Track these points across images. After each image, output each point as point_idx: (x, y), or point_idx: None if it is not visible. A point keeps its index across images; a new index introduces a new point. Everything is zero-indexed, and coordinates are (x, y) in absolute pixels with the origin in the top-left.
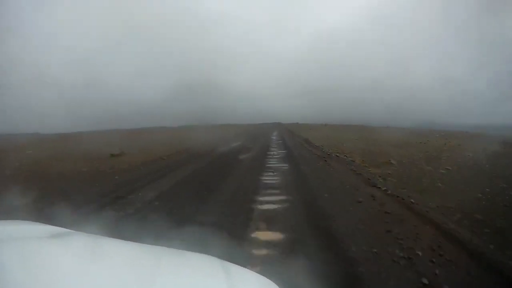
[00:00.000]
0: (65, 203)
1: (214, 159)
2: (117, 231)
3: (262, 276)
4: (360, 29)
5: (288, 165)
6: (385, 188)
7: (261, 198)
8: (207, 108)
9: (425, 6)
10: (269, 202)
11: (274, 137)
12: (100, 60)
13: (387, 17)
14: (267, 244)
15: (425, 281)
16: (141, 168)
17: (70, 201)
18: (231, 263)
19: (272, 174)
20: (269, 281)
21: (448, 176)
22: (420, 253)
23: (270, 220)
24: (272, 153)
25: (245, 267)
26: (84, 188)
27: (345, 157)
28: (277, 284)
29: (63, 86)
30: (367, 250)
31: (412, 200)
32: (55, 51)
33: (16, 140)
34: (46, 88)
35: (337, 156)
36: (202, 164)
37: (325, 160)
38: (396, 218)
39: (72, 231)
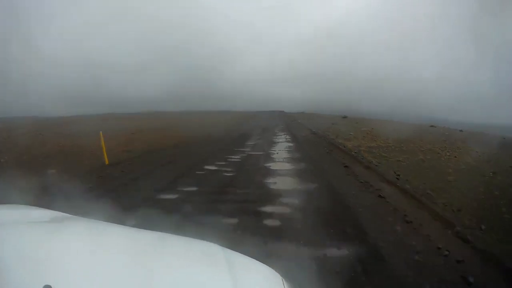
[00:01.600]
0: None
1: None
2: None
3: (263, 264)
4: (365, 19)
5: None
6: None
7: None
8: (207, 94)
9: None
10: None
11: (280, 145)
12: (103, 53)
13: (391, 10)
14: None
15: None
16: None
17: None
18: (233, 251)
19: None
20: (270, 268)
21: None
22: None
23: None
24: None
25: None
26: None
27: None
28: (279, 273)
29: (66, 83)
30: None
31: None
32: (60, 54)
33: None
34: (46, 75)
35: None
36: None
37: None
38: None
39: (71, 215)
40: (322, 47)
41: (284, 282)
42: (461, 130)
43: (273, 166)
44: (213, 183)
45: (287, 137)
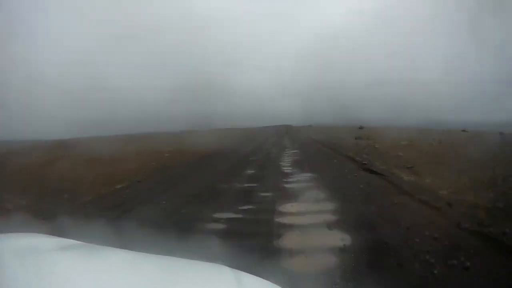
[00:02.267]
0: None
1: None
2: None
3: (275, 285)
4: (365, 23)
5: None
6: None
7: None
8: (209, 110)
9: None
10: None
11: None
12: (100, 61)
13: (391, 10)
14: None
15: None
16: None
17: None
18: (243, 272)
19: None
20: None
21: None
22: None
23: None
24: None
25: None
26: None
27: None
28: None
29: (62, 88)
30: None
31: None
32: (54, 51)
33: None
34: (45, 90)
35: None
36: None
37: None
38: None
39: (82, 243)
40: (324, 55)
41: None
42: (501, 133)
43: None
44: None
45: (317, 194)
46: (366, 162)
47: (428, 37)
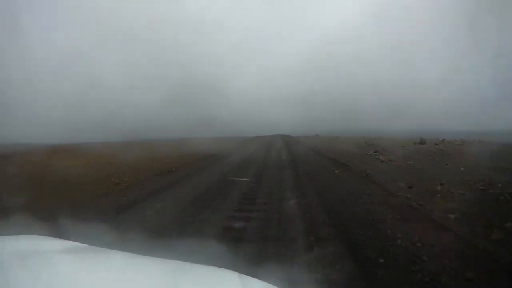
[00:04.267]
0: None
1: None
2: None
3: None
4: (362, 30)
5: None
6: None
7: None
8: (205, 117)
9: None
10: None
11: None
12: (95, 64)
13: (389, 17)
14: None
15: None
16: None
17: None
18: (250, 277)
19: None
20: None
21: None
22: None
23: None
24: None
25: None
26: None
27: None
28: None
29: (57, 90)
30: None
31: None
32: (50, 52)
33: None
34: (39, 92)
35: None
36: None
37: None
38: None
39: (86, 245)
40: (325, 60)
41: None
42: None
43: None
44: None
45: None
46: None
47: (427, 42)
